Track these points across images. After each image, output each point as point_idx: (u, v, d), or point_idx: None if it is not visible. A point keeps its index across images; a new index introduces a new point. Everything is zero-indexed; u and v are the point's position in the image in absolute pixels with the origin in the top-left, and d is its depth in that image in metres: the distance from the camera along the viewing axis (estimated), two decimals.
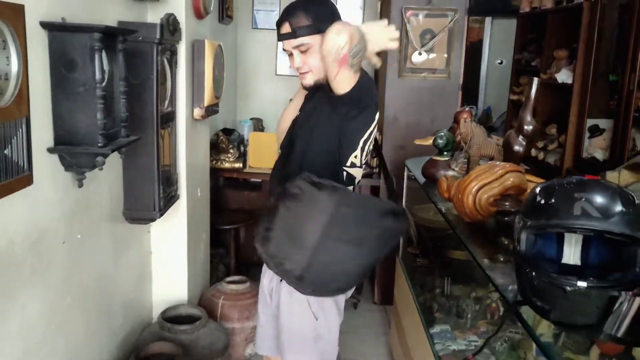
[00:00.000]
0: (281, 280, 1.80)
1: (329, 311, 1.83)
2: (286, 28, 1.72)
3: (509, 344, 2.11)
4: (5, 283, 1.53)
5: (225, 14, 3.93)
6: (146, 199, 2.33)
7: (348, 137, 1.77)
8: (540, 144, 4.11)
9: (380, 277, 3.88)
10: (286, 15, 1.73)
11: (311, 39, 1.70)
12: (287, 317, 1.85)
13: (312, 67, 1.75)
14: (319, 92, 1.81)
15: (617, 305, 1.23)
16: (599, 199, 1.28)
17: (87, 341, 2.08)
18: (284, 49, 1.79)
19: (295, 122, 1.92)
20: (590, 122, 3.59)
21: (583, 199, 1.28)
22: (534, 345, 1.99)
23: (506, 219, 1.95)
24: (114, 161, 2.21)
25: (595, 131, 3.57)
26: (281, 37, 1.75)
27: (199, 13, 2.66)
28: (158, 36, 2.16)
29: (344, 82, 1.60)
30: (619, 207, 1.26)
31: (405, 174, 3.18)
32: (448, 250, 2.75)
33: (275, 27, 1.83)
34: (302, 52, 1.73)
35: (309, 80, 1.78)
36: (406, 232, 1.77)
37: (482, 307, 2.39)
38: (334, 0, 4.75)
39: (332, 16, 1.72)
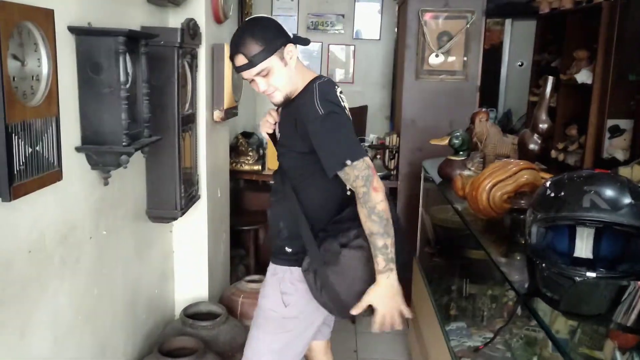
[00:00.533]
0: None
1: (303, 306, 1.89)
2: (241, 60, 1.72)
3: (524, 341, 2.12)
4: (37, 272, 1.60)
5: (244, 18, 4.01)
6: (168, 198, 2.41)
7: None
8: (560, 145, 4.09)
9: (398, 279, 3.89)
10: (236, 47, 1.72)
11: (268, 62, 1.72)
12: (262, 292, 1.98)
13: (278, 85, 1.76)
14: (287, 110, 1.84)
15: (626, 294, 1.26)
16: (608, 192, 1.30)
17: (113, 333, 2.15)
18: (244, 79, 1.80)
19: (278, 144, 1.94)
20: (610, 122, 3.57)
21: (592, 192, 1.31)
22: (550, 342, 2.01)
23: (522, 217, 1.97)
24: (138, 162, 2.29)
25: (616, 131, 3.56)
26: (240, 69, 1.75)
27: (219, 18, 2.73)
28: (179, 40, 2.23)
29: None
30: (627, 200, 1.29)
31: (422, 175, 3.21)
32: (464, 250, 2.77)
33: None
34: (264, 76, 1.74)
35: (279, 97, 1.79)
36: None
37: (498, 305, 2.41)
38: (350, 3, 4.80)
39: (278, 31, 1.75)
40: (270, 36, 1.72)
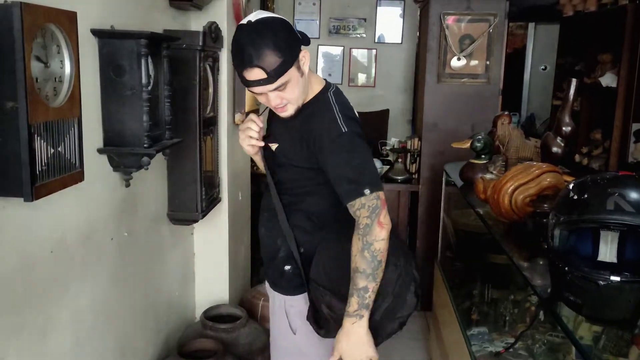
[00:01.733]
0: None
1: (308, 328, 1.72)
2: (258, 74, 1.45)
3: (547, 347, 2.09)
4: (59, 272, 1.63)
5: None
6: (189, 200, 2.42)
7: None
8: (584, 150, 4.03)
9: (419, 283, 3.86)
10: (251, 59, 1.44)
11: (288, 74, 1.49)
12: (271, 320, 1.87)
13: (292, 98, 1.55)
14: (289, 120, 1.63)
15: None
16: (632, 194, 1.28)
17: (134, 334, 2.17)
18: (253, 93, 1.55)
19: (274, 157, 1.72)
20: (635, 126, 3.51)
21: (616, 194, 1.28)
22: (574, 349, 1.97)
23: (544, 220, 1.94)
24: (159, 164, 2.31)
25: None
26: (254, 84, 1.49)
27: (240, 21, 2.74)
28: (201, 43, 2.25)
29: None
30: None
31: (443, 178, 3.18)
32: (486, 254, 2.74)
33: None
34: (281, 90, 1.51)
35: (290, 111, 1.58)
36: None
37: (520, 310, 2.38)
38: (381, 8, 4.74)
39: (294, 35, 1.52)
40: (288, 43, 1.48)
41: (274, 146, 1.69)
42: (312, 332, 1.68)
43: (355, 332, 1.53)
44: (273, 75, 1.45)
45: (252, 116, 1.69)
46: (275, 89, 1.50)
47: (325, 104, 1.61)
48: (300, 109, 1.60)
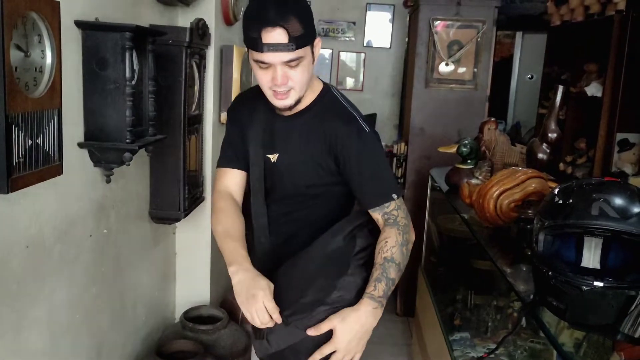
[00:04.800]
0: None
1: None
2: (281, 36, 1.33)
3: (529, 353, 2.08)
4: (35, 268, 1.58)
5: None
6: (171, 199, 2.39)
7: None
8: (568, 158, 4.05)
9: (402, 289, 3.86)
10: (278, 20, 1.33)
11: (305, 51, 1.40)
12: None
13: (297, 82, 1.42)
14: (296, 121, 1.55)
15: (634, 305, 1.22)
16: (617, 200, 1.27)
17: (111, 333, 2.13)
18: (264, 63, 1.39)
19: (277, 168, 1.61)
20: (619, 136, 3.53)
21: (601, 200, 1.28)
22: (555, 354, 1.97)
23: (528, 226, 1.94)
24: (142, 161, 2.27)
25: (625, 145, 3.51)
26: (271, 48, 1.34)
27: (228, 19, 2.72)
28: (187, 39, 2.22)
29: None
30: (637, 209, 1.26)
31: (429, 183, 3.18)
32: (470, 260, 2.74)
33: None
34: (292, 67, 1.39)
35: (291, 99, 1.46)
36: None
37: (503, 316, 2.37)
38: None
39: (313, 21, 1.46)
40: (311, 19, 1.42)
41: (276, 157, 1.58)
42: None
43: (371, 315, 1.39)
44: (294, 43, 1.34)
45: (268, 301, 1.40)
46: (289, 62, 1.38)
47: (335, 101, 1.55)
48: (306, 108, 1.53)
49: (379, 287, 1.40)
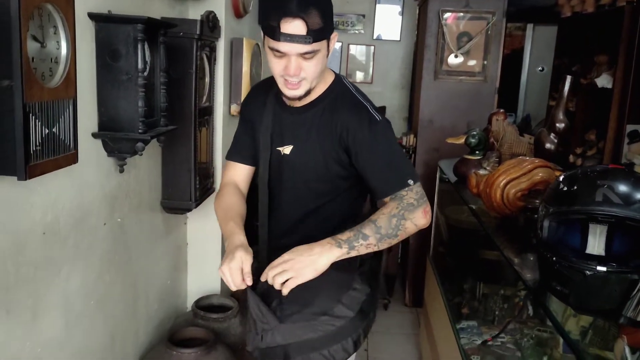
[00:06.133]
0: None
1: None
2: (300, 27, 1.34)
3: (535, 341, 2.10)
4: (51, 254, 1.63)
5: None
6: (183, 189, 2.43)
7: None
8: (578, 150, 4.04)
9: (411, 280, 3.89)
10: (299, 11, 1.34)
11: (322, 44, 1.41)
12: None
13: (310, 73, 1.43)
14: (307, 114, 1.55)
15: (636, 289, 1.24)
16: (621, 187, 1.29)
17: (124, 321, 2.17)
18: (279, 52, 1.39)
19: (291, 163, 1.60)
20: (629, 127, 3.52)
21: (605, 186, 1.30)
22: (561, 342, 1.99)
23: (535, 216, 1.95)
24: (154, 152, 2.31)
25: (635, 137, 3.50)
26: (288, 38, 1.35)
27: (238, 12, 2.75)
28: (198, 32, 2.25)
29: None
30: None
31: (437, 175, 3.20)
32: (478, 250, 2.76)
33: None
34: (307, 59, 1.40)
35: (302, 90, 1.46)
36: None
37: (510, 305, 2.39)
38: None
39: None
40: (330, 14, 1.42)
41: (287, 149, 1.57)
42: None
43: (323, 250, 1.38)
44: (311, 36, 1.35)
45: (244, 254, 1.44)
46: (304, 54, 1.38)
47: (346, 92, 1.55)
48: (317, 99, 1.53)
49: (346, 233, 1.41)
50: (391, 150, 1.50)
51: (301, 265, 1.37)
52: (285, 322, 1.48)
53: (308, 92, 1.48)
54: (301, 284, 1.39)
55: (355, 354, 1.59)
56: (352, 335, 1.49)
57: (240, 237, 1.50)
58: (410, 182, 1.46)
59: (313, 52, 1.39)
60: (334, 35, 1.47)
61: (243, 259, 1.42)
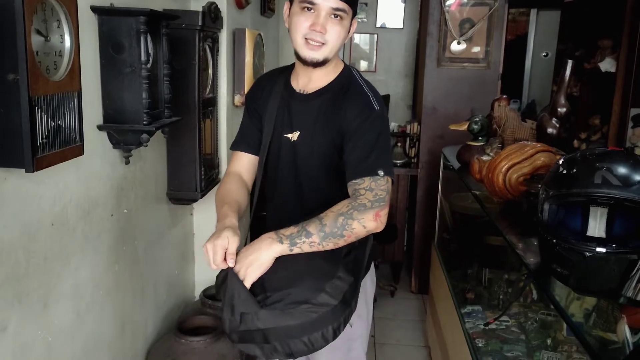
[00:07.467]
0: None
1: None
2: None
3: (539, 324, 2.12)
4: (60, 245, 1.66)
5: (267, 6, 4.03)
6: (188, 180, 2.45)
7: None
8: (583, 135, 4.04)
9: (417, 267, 3.91)
10: None
11: (349, 15, 1.51)
12: None
13: (331, 39, 1.50)
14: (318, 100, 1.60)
15: (635, 269, 1.26)
16: (620, 169, 1.31)
17: (133, 310, 2.21)
18: (310, 2, 1.47)
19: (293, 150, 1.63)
20: (633, 111, 3.52)
21: (604, 168, 1.31)
22: (564, 326, 2.01)
23: (537, 200, 1.97)
24: (159, 144, 2.34)
25: (639, 121, 3.50)
26: None
27: (240, 3, 2.76)
28: (200, 23, 2.27)
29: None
30: (639, 177, 1.28)
31: (441, 162, 3.21)
32: (482, 236, 2.78)
33: None
34: (334, 19, 1.48)
35: (321, 54, 1.51)
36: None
37: (514, 289, 2.41)
38: None
39: None
40: None
41: (294, 135, 1.61)
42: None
43: (263, 245, 1.41)
44: None
45: (228, 233, 1.46)
46: (335, 10, 1.46)
47: (353, 82, 1.59)
48: (325, 87, 1.58)
49: (291, 228, 1.43)
50: (375, 139, 1.50)
51: (247, 262, 1.41)
52: (266, 308, 1.43)
53: (325, 62, 1.53)
54: (285, 272, 1.41)
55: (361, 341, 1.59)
56: (332, 324, 1.45)
57: (232, 220, 1.52)
58: (381, 172, 1.46)
59: (342, 13, 1.47)
60: (355, 22, 1.55)
61: (230, 239, 1.43)
